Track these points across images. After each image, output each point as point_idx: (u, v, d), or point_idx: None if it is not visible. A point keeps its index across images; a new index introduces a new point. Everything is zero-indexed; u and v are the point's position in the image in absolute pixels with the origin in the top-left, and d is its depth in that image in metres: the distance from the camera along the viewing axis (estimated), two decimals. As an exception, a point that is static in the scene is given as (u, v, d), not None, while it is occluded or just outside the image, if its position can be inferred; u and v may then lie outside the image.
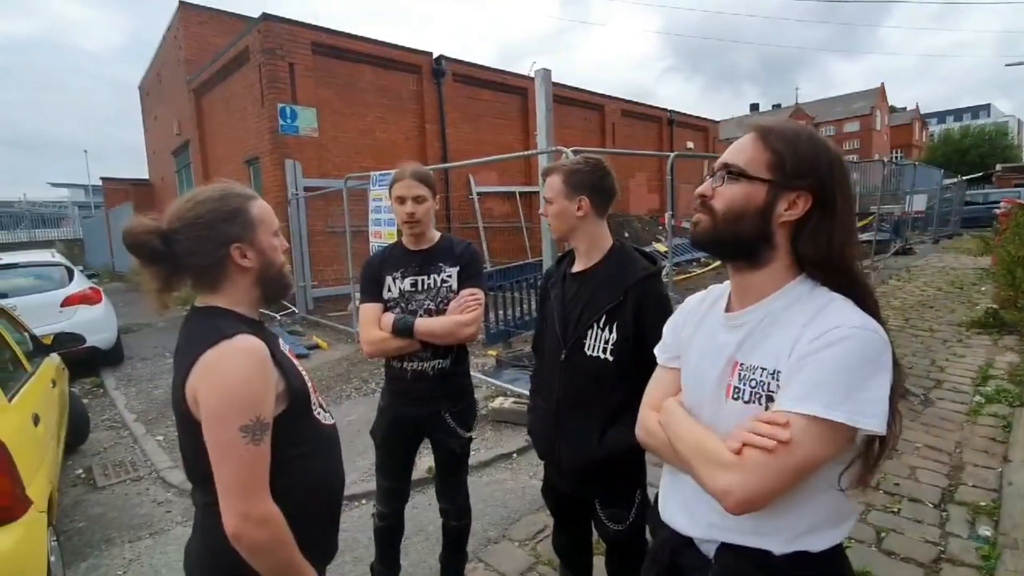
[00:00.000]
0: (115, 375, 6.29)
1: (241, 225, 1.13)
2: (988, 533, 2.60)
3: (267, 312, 8.22)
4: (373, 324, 1.98)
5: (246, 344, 1.05)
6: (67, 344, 3.92)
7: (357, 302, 7.29)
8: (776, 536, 0.92)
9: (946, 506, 2.88)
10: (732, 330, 0.99)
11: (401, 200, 1.94)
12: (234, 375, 1.02)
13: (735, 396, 0.95)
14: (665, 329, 1.19)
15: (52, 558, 2.23)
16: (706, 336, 1.05)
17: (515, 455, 3.69)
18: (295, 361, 1.24)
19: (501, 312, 5.97)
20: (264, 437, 1.04)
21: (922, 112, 66.31)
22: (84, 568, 2.81)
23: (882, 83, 57.40)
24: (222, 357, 1.03)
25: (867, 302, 0.91)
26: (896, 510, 2.86)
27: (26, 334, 3.72)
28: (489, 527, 2.87)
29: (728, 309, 1.03)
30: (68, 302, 6.11)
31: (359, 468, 3.50)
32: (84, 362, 5.96)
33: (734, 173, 0.93)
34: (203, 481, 1.10)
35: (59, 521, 3.01)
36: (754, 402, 0.92)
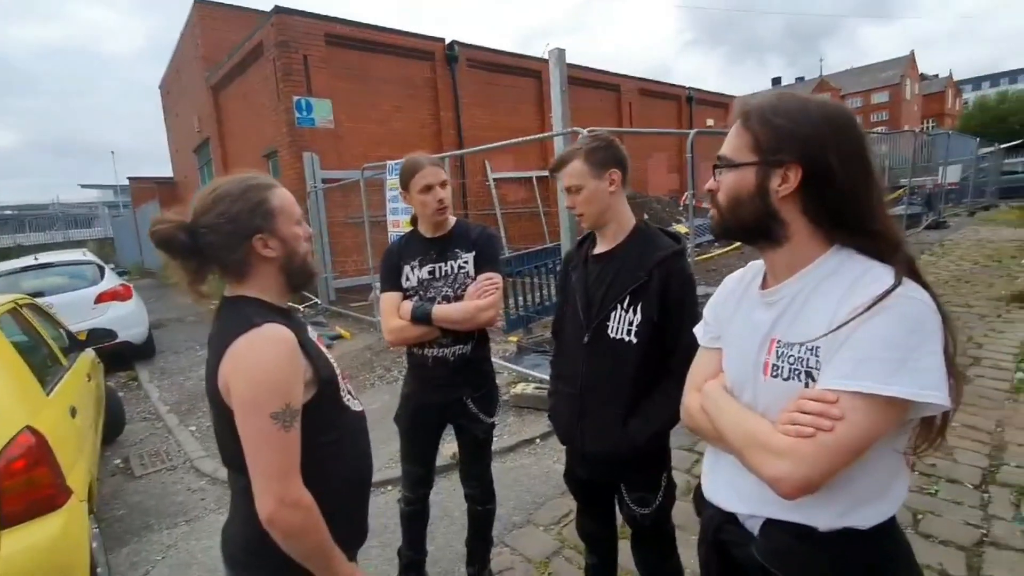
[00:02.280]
0: (148, 368, 6.48)
1: (263, 216, 1.13)
2: (1033, 514, 2.50)
3: (290, 304, 8.35)
4: (393, 313, 1.98)
5: (275, 332, 1.06)
6: (100, 339, 4.04)
7: (377, 291, 7.37)
8: (822, 511, 0.90)
9: (988, 487, 2.78)
10: (767, 307, 0.98)
11: (428, 188, 1.91)
12: (264, 363, 1.03)
13: (773, 374, 0.93)
14: (706, 309, 1.17)
15: (94, 544, 2.30)
16: (744, 314, 1.04)
17: (538, 440, 3.69)
18: (323, 349, 1.25)
19: (521, 298, 5.95)
20: (294, 423, 1.05)
21: (956, 79, 63.57)
22: (125, 553, 2.91)
23: (912, 51, 55.17)
24: (252, 345, 1.04)
25: (908, 267, 0.86)
26: (933, 492, 2.77)
27: (62, 330, 3.84)
28: (514, 512, 2.88)
29: (764, 286, 1.02)
30: (101, 299, 6.30)
31: (384, 455, 3.54)
32: (118, 356, 6.16)
33: (724, 164, 0.97)
34: (236, 465, 1.12)
35: (99, 509, 3.11)
36: (793, 379, 0.90)
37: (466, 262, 1.97)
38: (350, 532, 1.23)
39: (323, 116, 9.25)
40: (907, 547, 0.97)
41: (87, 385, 3.42)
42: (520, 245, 8.84)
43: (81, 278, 6.51)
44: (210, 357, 1.10)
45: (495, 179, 11.40)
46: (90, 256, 7.15)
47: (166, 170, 19.10)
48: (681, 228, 9.68)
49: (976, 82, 74.73)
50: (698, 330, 1.18)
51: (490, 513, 2.17)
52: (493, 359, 2.19)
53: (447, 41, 11.12)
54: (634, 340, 1.50)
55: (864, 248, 0.89)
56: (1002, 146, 21.10)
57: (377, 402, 4.65)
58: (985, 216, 14.95)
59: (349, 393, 1.27)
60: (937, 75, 63.46)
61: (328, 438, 1.16)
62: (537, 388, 4.23)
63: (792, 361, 0.90)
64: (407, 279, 2.00)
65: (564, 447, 1.81)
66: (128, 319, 6.38)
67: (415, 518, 2.16)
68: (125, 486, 3.68)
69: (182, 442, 4.29)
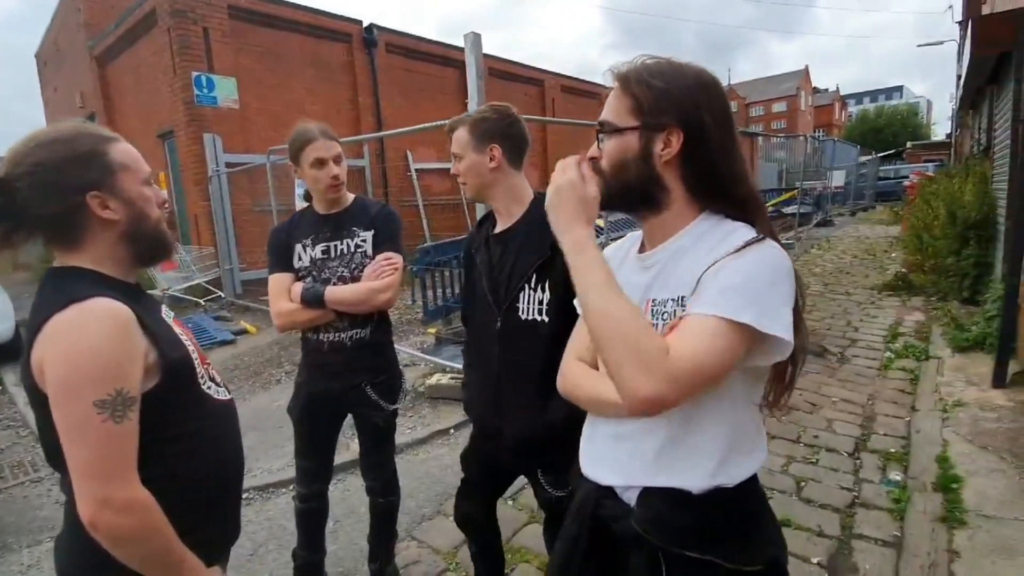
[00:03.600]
0: (14, 370, 5.71)
1: (99, 170, 0.97)
2: (899, 478, 2.79)
3: (189, 298, 7.71)
4: (283, 295, 1.83)
5: (102, 307, 0.91)
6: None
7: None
8: (692, 473, 0.92)
9: (860, 454, 3.07)
10: (644, 271, 0.99)
11: (321, 163, 1.78)
12: (85, 342, 0.88)
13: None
14: None
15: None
16: (623, 279, 1.03)
17: (452, 431, 3.62)
18: (179, 330, 1.10)
19: (440, 289, 5.85)
20: (128, 413, 0.91)
21: (842, 93, 70.35)
22: (-27, 579, 2.53)
23: (806, 65, 60.52)
24: (72, 322, 0.89)
25: (770, 230, 0.91)
26: (815, 460, 3.01)
27: None
28: (424, 503, 2.80)
29: (641, 252, 1.03)
30: (-48, 291, 5.47)
31: (287, 454, 3.32)
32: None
33: (607, 130, 0.94)
34: (61, 464, 0.96)
35: (-61, 531, 2.69)
36: (664, 332, 0.91)
37: (364, 240, 1.85)
38: (212, 534, 1.10)
39: (227, 95, 8.57)
40: (767, 502, 1.02)
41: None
42: (443, 235, 8.70)
43: (-74, 268, 5.62)
44: (25, 339, 0.93)
45: (417, 170, 11.15)
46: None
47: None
48: (600, 222, 9.93)
49: (859, 97, 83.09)
50: (577, 301, 1.16)
51: (392, 505, 2.08)
52: (411, 351, 2.09)
53: (365, 24, 10.70)
54: (546, 319, 1.46)
55: (732, 214, 0.93)
56: (879, 155, 23.71)
57: (283, 399, 4.36)
58: (864, 216, 16.70)
59: (212, 380, 1.13)
60: (827, 89, 69.84)
61: (180, 431, 1.02)
62: (453, 378, 4.17)
63: (664, 316, 0.92)
64: (299, 258, 1.86)
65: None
66: (-13, 314, 5.59)
67: (310, 515, 2.02)
68: (-23, 502, 3.21)
69: (52, 450, 3.81)
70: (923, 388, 3.86)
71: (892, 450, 3.08)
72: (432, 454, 3.37)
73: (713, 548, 0.92)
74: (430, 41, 12.25)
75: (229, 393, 1.20)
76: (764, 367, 0.90)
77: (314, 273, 1.85)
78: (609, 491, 1.01)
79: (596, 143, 0.98)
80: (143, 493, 0.92)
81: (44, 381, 0.89)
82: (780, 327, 0.81)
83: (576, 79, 16.77)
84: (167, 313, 1.13)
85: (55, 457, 0.98)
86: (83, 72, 11.62)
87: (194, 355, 1.09)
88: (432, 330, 5.65)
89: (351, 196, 1.92)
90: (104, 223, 0.99)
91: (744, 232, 0.88)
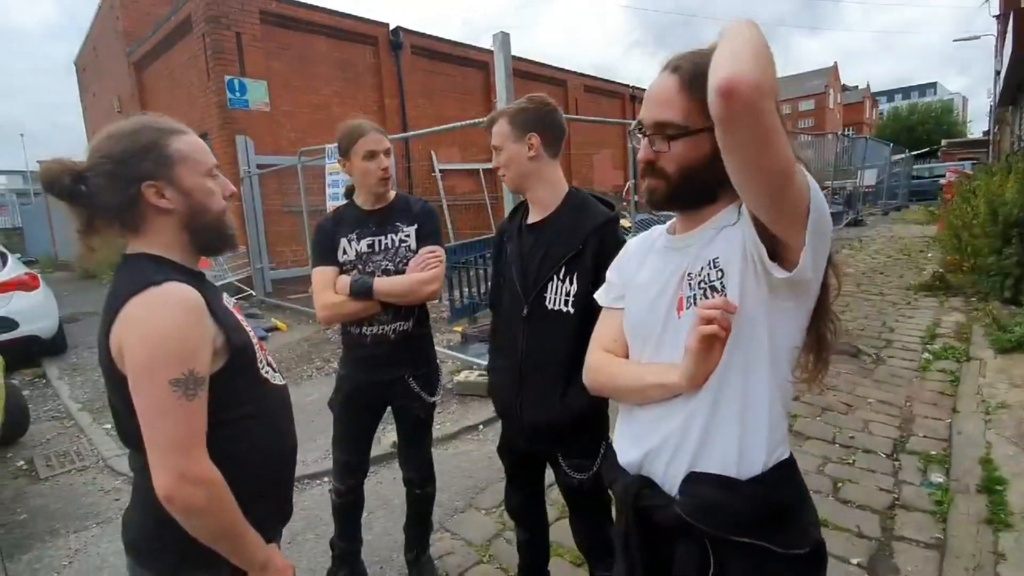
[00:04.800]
0: (58, 365, 5.94)
1: (155, 161, 1.01)
2: (940, 480, 2.71)
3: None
4: (328, 288, 1.87)
5: (176, 291, 0.96)
6: (-3, 329, 3.66)
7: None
8: (735, 458, 0.92)
9: (899, 456, 2.99)
10: (678, 251, 1.00)
11: (373, 155, 1.83)
12: (162, 324, 0.93)
13: (687, 305, 0.96)
14: (609, 271, 1.18)
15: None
16: (652, 266, 1.05)
17: (481, 427, 3.65)
18: (241, 318, 1.14)
19: (466, 288, 5.89)
20: (199, 392, 0.95)
21: (872, 91, 68.50)
22: (27, 560, 2.64)
23: (835, 62, 59.00)
24: (148, 305, 0.94)
25: None
26: (851, 462, 2.95)
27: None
28: (455, 497, 2.83)
29: (673, 234, 1.05)
30: (2, 289, 5.70)
31: (321, 447, 3.40)
32: (24, 353, 5.62)
33: (676, 134, 0.92)
34: (133, 442, 1.01)
35: (-4, 514, 2.82)
36: (702, 299, 0.93)
37: (408, 235, 1.88)
38: (269, 512, 1.14)
39: (258, 98, 8.77)
40: (806, 488, 1.01)
41: (-20, 378, 3.08)
42: (467, 234, 8.76)
43: (-23, 266, 5.88)
44: (102, 321, 0.98)
45: (442, 170, 11.24)
46: (-11, 242, 6.48)
47: (81, 154, 17.57)
48: (625, 223, 9.86)
49: (890, 94, 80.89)
50: (600, 293, 1.19)
51: (430, 497, 2.11)
52: (438, 348, 2.13)
53: (391, 27, 10.84)
54: (571, 311, 1.48)
55: None
56: (912, 153, 23.01)
57: (315, 393, 4.46)
58: (897, 215, 16.23)
59: (269, 366, 1.17)
60: (857, 86, 68.12)
61: (242, 412, 1.07)
62: (481, 375, 4.19)
63: (699, 284, 0.94)
64: (344, 252, 1.90)
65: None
66: (34, 311, 5.79)
67: (346, 509, 2.05)
68: (28, 489, 3.35)
69: (95, 441, 3.95)
70: (964, 390, 3.75)
71: (933, 452, 2.99)
72: (461, 449, 3.40)
73: (762, 532, 0.91)
74: (454, 43, 12.34)
75: (283, 378, 1.24)
76: (797, 337, 0.94)
77: (359, 267, 1.88)
78: (648, 481, 1.00)
79: (647, 144, 0.95)
80: (212, 467, 0.96)
81: (123, 362, 0.94)
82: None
83: (599, 79, 16.70)
84: (228, 300, 1.18)
85: (128, 435, 1.03)
86: (121, 78, 12.02)
87: (253, 340, 1.14)
88: (458, 328, 5.70)
89: (393, 192, 1.96)
90: (162, 212, 1.03)
91: None
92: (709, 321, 0.86)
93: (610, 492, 1.14)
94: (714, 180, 0.91)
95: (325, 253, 1.91)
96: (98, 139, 1.02)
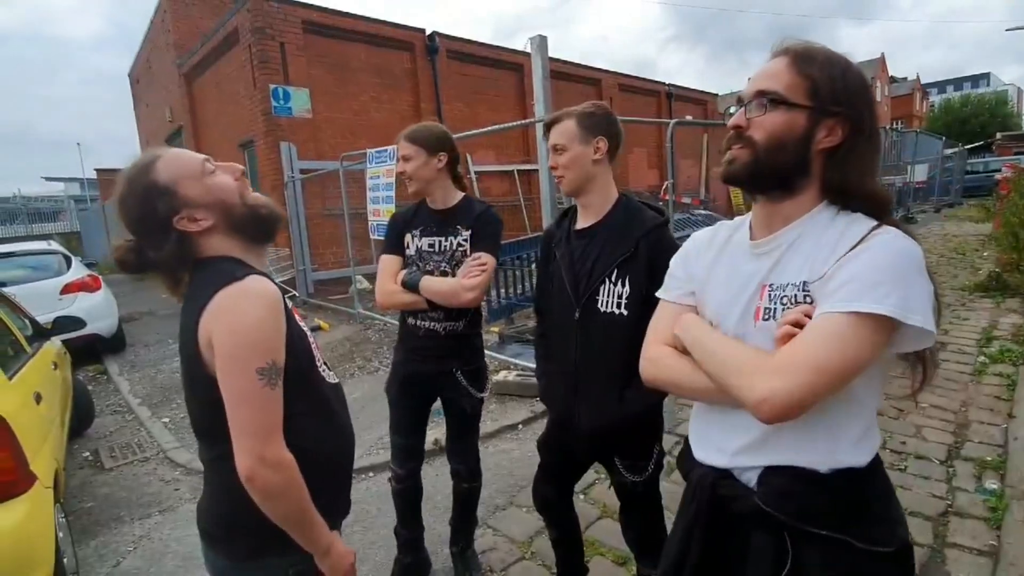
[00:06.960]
0: (118, 362, 6.29)
1: (160, 199, 1.04)
2: (995, 486, 2.61)
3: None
4: (390, 276, 1.96)
5: (260, 285, 1.02)
6: (67, 328, 3.92)
7: (359, 285, 7.29)
8: (820, 452, 0.90)
9: (952, 462, 2.89)
10: (759, 257, 0.98)
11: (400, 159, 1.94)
12: (250, 316, 0.99)
13: (765, 317, 0.93)
14: (673, 265, 1.16)
15: (60, 534, 2.23)
16: (728, 267, 1.02)
17: (520, 426, 3.69)
18: (297, 317, 1.21)
19: (503, 288, 5.94)
20: (279, 381, 1.02)
21: (923, 82, 65.40)
22: (94, 546, 2.82)
23: (882, 53, 56.51)
24: (235, 297, 0.99)
25: (894, 224, 0.90)
26: (903, 467, 2.86)
27: (26, 319, 3.70)
28: (496, 495, 2.88)
29: (752, 239, 1.01)
30: (67, 289, 6.08)
31: (365, 443, 3.50)
32: (87, 350, 5.98)
33: (775, 100, 0.89)
34: (208, 434, 1.08)
35: (67, 502, 3.02)
36: (781, 312, 0.91)
37: (464, 240, 1.94)
38: (330, 503, 1.19)
39: (301, 105, 9.07)
40: (891, 485, 0.99)
41: (52, 373, 3.30)
42: (503, 235, 8.83)
43: (46, 268, 6.27)
44: (188, 312, 1.04)
45: (477, 172, 11.35)
46: (56, 246, 6.90)
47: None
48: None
49: (941, 85, 77.01)
50: (663, 289, 1.16)
51: (476, 491, 2.16)
52: None
53: (428, 32, 11.02)
54: (625, 313, 1.49)
55: (851, 207, 0.92)
56: (966, 147, 21.84)
57: (357, 391, 4.60)
58: (950, 212, 15.48)
59: (325, 364, 1.24)
60: (906, 78, 65.13)
61: (304, 407, 1.12)
62: (519, 375, 4.24)
63: (785, 301, 0.91)
64: (408, 246, 1.98)
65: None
66: (96, 310, 6.17)
67: (406, 495, 2.13)
68: (94, 479, 3.57)
69: (155, 434, 4.18)
70: (1021, 394, 3.57)
71: (988, 458, 2.88)
72: (501, 448, 3.46)
73: (845, 526, 0.89)
74: (489, 46, 12.45)
75: (336, 378, 1.30)
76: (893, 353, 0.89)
77: (418, 263, 1.95)
78: (726, 473, 0.99)
79: (741, 111, 0.93)
80: (288, 454, 1.02)
81: (211, 352, 1.00)
82: (922, 318, 0.79)
83: (633, 76, 16.54)
84: (287, 302, 1.25)
85: (202, 426, 1.10)
86: (172, 89, 12.61)
87: (312, 340, 1.21)
88: (495, 329, 5.75)
89: (460, 194, 2.00)
90: (205, 232, 1.08)
91: (868, 222, 0.88)
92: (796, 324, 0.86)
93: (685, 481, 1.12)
94: (797, 166, 0.90)
95: (394, 242, 2.00)
96: (117, 213, 1.08)
